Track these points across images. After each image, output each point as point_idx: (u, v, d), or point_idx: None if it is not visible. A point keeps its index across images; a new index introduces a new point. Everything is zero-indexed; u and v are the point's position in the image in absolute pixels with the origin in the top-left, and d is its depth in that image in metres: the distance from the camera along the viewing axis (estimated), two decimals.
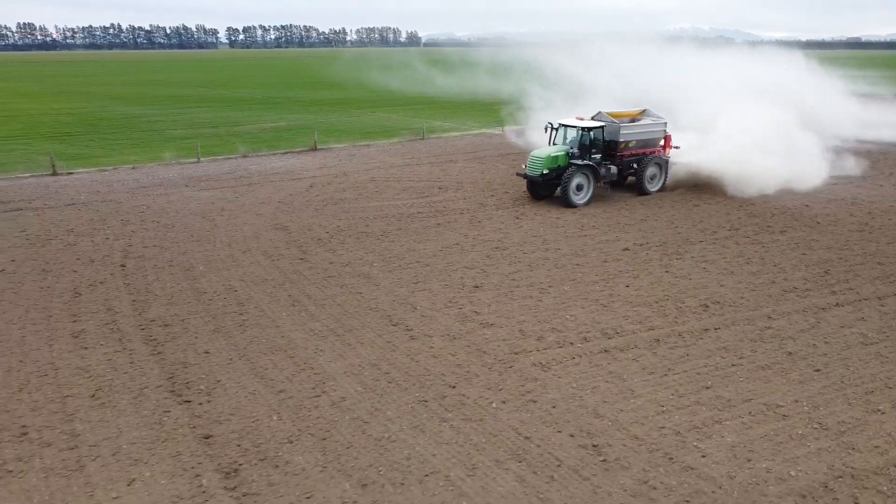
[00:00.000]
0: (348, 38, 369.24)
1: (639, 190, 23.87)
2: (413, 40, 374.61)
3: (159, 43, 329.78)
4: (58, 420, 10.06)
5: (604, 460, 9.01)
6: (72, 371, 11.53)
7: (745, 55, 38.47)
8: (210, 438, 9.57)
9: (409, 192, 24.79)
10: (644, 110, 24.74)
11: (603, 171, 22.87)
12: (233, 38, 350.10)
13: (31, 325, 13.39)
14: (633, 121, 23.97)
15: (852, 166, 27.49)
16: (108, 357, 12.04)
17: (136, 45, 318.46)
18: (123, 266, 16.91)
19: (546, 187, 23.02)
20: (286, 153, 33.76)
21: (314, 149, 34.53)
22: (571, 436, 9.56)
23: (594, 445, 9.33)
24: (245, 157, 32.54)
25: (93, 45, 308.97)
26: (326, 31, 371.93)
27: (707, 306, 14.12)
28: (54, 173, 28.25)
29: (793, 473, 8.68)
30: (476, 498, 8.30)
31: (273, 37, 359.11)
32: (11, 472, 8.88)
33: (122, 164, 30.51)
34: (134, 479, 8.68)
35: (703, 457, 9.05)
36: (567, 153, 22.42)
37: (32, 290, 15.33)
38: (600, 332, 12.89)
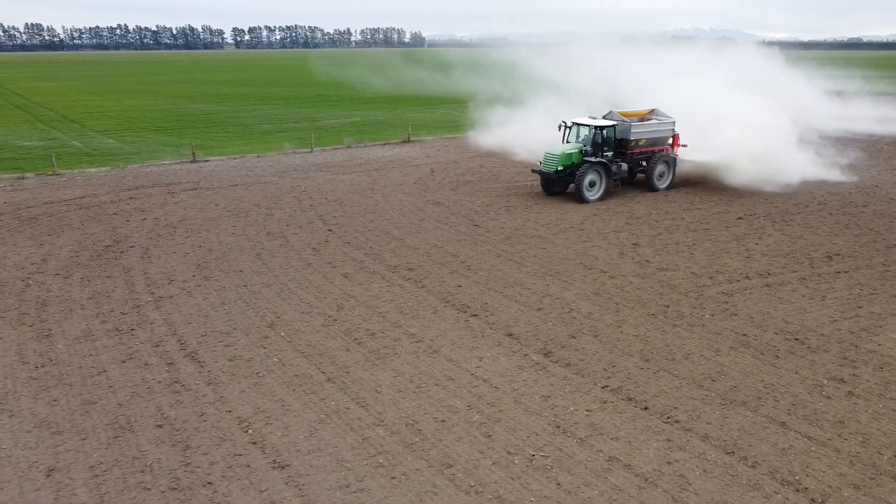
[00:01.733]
0: (353, 38, 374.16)
1: (648, 187, 25.22)
2: (417, 41, 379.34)
3: (165, 43, 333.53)
4: (389, 326, 13.56)
5: (808, 347, 12.55)
6: (368, 297, 15.03)
7: (737, 55, 41.23)
8: (512, 336, 13.08)
9: (523, 175, 28.29)
10: (653, 110, 26.03)
11: (614, 168, 24.16)
12: (238, 39, 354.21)
13: (302, 269, 16.89)
14: (642, 120, 25.27)
15: (856, 156, 31.20)
16: (385, 290, 15.55)
17: (143, 46, 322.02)
18: (331, 230, 20.40)
19: (559, 184, 24.29)
20: (385, 144, 37.29)
21: (407, 140, 38.06)
22: (776, 333, 13.10)
23: (796, 339, 12.87)
24: (349, 147, 36.06)
25: (99, 46, 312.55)
26: (331, 32, 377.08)
27: (831, 257, 17.67)
28: (194, 160, 31.73)
29: None
30: (731, 366, 11.83)
31: (278, 37, 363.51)
32: (388, 354, 12.38)
33: (243, 154, 33.99)
34: (482, 357, 12.20)
35: (879, 345, 12.59)
36: (580, 151, 23.75)
37: (275, 246, 18.81)
38: (756, 273, 16.45)
